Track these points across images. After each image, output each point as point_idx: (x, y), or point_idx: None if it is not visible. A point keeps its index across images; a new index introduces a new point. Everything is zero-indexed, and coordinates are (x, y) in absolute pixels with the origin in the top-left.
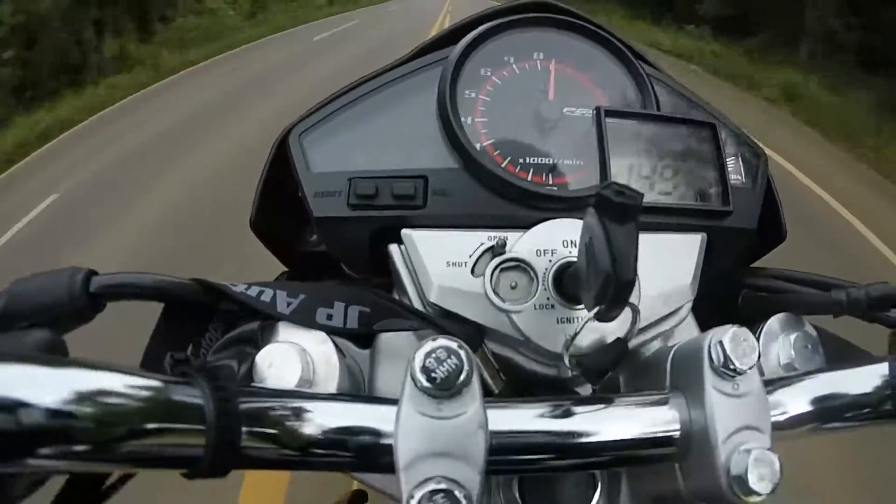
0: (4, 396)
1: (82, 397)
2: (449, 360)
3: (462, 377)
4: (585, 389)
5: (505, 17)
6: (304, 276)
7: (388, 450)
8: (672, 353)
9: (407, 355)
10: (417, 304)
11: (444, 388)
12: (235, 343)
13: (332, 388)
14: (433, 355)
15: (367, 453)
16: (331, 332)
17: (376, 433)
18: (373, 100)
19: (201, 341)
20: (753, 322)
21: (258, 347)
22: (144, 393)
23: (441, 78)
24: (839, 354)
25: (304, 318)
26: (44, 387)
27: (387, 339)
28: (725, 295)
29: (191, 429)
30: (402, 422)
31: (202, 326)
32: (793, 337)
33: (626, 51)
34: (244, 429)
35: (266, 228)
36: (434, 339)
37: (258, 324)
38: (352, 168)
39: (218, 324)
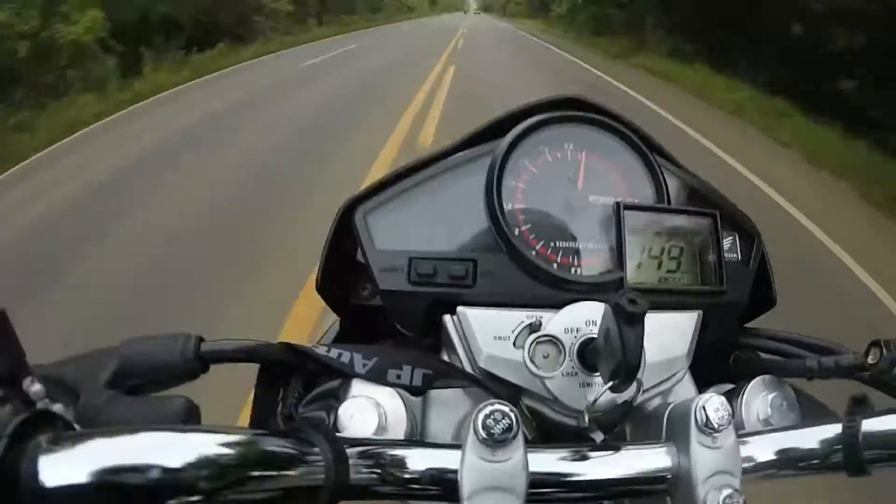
0: (149, 462)
1: (212, 459)
2: (503, 421)
3: (512, 433)
4: (598, 436)
5: (543, 112)
6: (357, 325)
7: (454, 485)
8: (668, 410)
9: (453, 404)
10: (466, 366)
11: (498, 441)
12: (321, 398)
13: (400, 434)
14: (491, 416)
15: (438, 487)
16: (398, 388)
17: (445, 471)
18: (428, 185)
19: (288, 393)
20: (742, 378)
21: (339, 401)
22: (274, 448)
23: (489, 169)
24: (811, 412)
25: (377, 377)
26: (187, 450)
27: (439, 393)
28: (721, 353)
29: (311, 473)
30: (466, 464)
31: (287, 381)
32: (770, 396)
33: (643, 145)
34: (352, 472)
35: (326, 288)
36: (492, 404)
37: (339, 381)
38: (412, 248)
39: (298, 378)
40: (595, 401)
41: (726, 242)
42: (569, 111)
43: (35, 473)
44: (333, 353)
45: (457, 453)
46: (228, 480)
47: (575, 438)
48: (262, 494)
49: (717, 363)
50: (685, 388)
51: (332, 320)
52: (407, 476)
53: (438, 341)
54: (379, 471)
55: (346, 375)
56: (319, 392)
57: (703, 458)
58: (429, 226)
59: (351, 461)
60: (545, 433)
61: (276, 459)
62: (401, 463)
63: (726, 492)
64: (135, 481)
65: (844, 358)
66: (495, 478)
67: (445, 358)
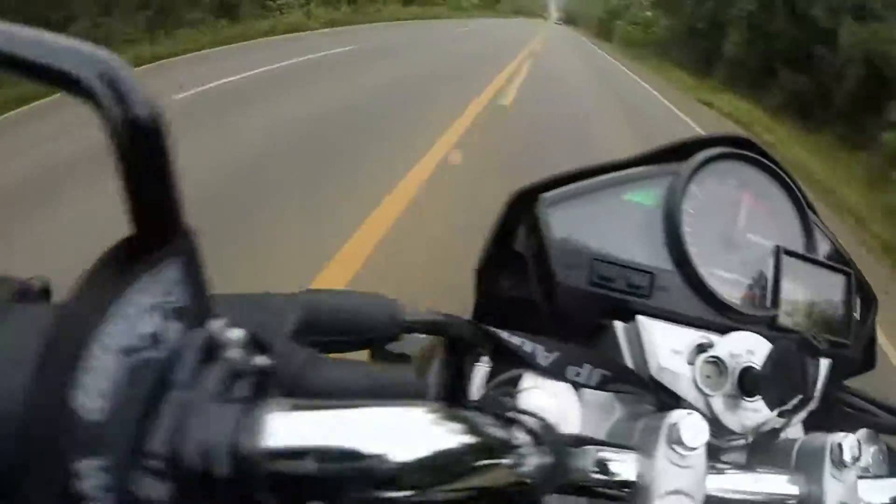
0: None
1: (455, 440)
2: (695, 429)
3: (701, 442)
4: (728, 456)
5: (719, 146)
6: (492, 312)
7: (641, 486)
8: (798, 444)
9: (604, 406)
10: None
11: (690, 448)
12: (505, 384)
13: (574, 430)
14: (690, 425)
15: (627, 487)
16: (576, 385)
17: (628, 471)
18: (612, 191)
19: (469, 374)
20: (840, 427)
21: (517, 389)
22: (477, 431)
23: (671, 190)
24: None
25: (558, 373)
26: (412, 427)
27: (587, 391)
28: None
29: (525, 464)
30: (656, 466)
31: (472, 360)
32: (871, 450)
33: (801, 198)
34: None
35: (485, 271)
36: (690, 413)
37: (521, 371)
38: (594, 249)
39: (484, 360)
40: (761, 425)
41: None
42: (741, 149)
43: (262, 448)
44: (517, 339)
45: (633, 455)
46: (458, 467)
47: (713, 457)
48: (476, 482)
49: (818, 409)
50: (795, 427)
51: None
52: (602, 477)
53: (587, 342)
54: (590, 468)
55: (529, 365)
56: (501, 379)
57: (833, 491)
58: (609, 231)
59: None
60: None
61: (497, 447)
62: (601, 462)
63: None
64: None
65: None
66: (682, 483)
67: None
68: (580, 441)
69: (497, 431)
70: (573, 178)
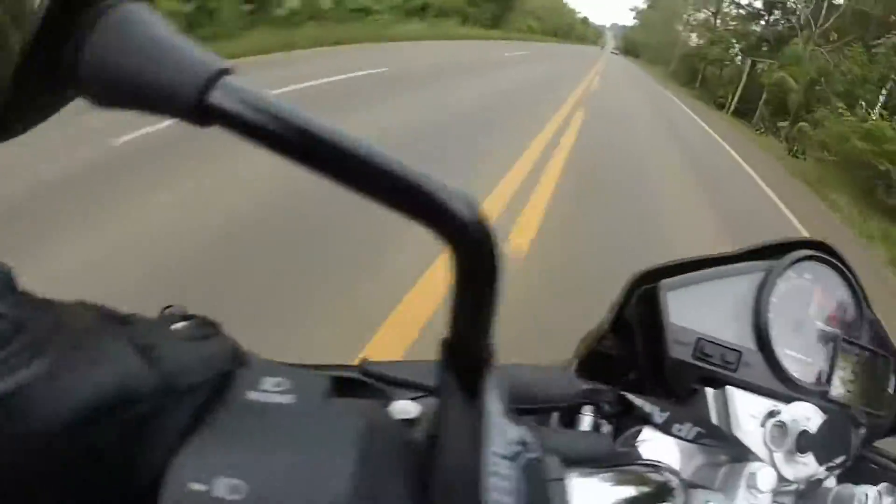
0: None
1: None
2: (768, 478)
3: (770, 488)
4: (784, 498)
5: (802, 248)
6: (592, 368)
7: None
8: (833, 493)
9: (689, 452)
10: None
11: (762, 492)
12: (627, 438)
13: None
14: (760, 475)
15: None
16: (677, 438)
17: None
18: (717, 281)
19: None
20: (865, 481)
21: (637, 441)
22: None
23: (763, 284)
24: None
25: (667, 429)
26: None
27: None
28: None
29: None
30: None
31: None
32: (889, 500)
33: (862, 296)
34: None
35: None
36: (763, 466)
37: (641, 427)
38: (699, 329)
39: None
40: (810, 476)
41: None
42: (820, 252)
43: None
44: (639, 401)
45: (719, 495)
46: None
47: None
48: None
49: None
50: (831, 480)
51: None
52: None
53: (681, 403)
54: None
55: (648, 423)
56: (628, 434)
57: None
58: (712, 314)
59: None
60: None
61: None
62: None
63: None
64: None
65: None
66: None
67: None
68: (691, 485)
69: (657, 478)
70: (686, 267)
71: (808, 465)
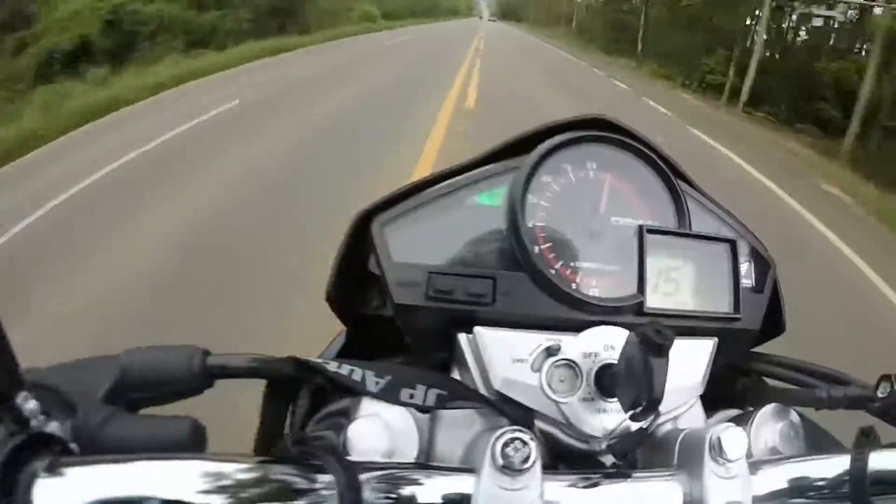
0: (150, 494)
1: (229, 488)
2: (523, 450)
3: (531, 461)
4: (607, 458)
5: (568, 131)
6: (364, 337)
7: None
8: (680, 438)
9: (462, 423)
10: (480, 386)
11: (516, 469)
12: (330, 416)
13: (410, 455)
14: (511, 445)
15: None
16: (411, 407)
17: (459, 498)
18: (448, 199)
19: (295, 410)
20: (749, 404)
21: (349, 420)
22: (280, 478)
23: (513, 187)
24: (818, 442)
25: (390, 397)
26: (192, 481)
27: (449, 413)
28: (728, 378)
29: (322, 501)
30: (482, 492)
31: (294, 396)
32: (779, 426)
33: (667, 169)
34: (365, 499)
35: (336, 298)
36: (511, 431)
37: (350, 400)
38: (430, 262)
39: (306, 393)
40: (615, 429)
41: (741, 267)
42: (594, 131)
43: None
44: (345, 368)
45: (471, 478)
46: None
47: (585, 462)
48: None
49: (723, 386)
50: (694, 413)
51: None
52: (420, 502)
53: (449, 358)
54: (393, 497)
55: (358, 393)
56: (329, 410)
57: (716, 489)
58: (448, 240)
59: (364, 487)
60: (555, 455)
61: (285, 490)
62: (414, 489)
63: None
64: None
65: (853, 389)
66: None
67: (457, 376)
68: (387, 467)
69: (282, 472)
70: (413, 192)
71: (616, 413)
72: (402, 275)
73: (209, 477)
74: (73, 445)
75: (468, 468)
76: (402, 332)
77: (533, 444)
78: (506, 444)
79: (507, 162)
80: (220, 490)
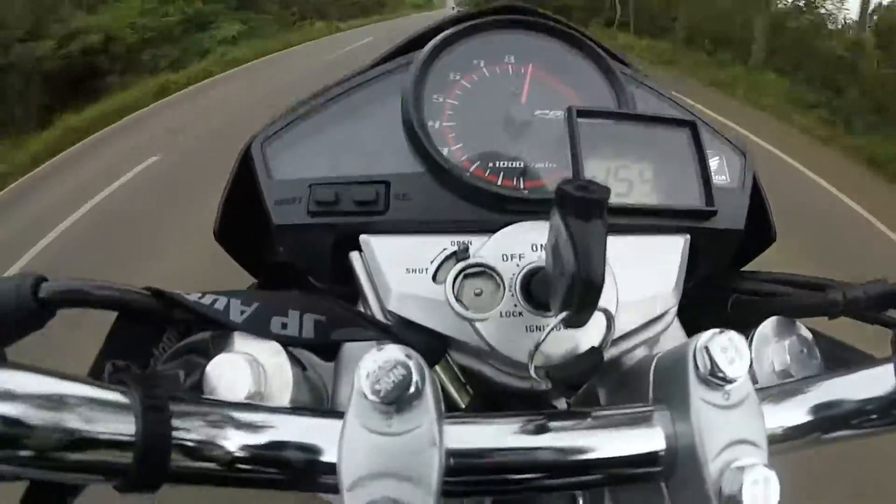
0: None
1: (11, 400)
2: (395, 371)
3: (411, 389)
4: (563, 404)
5: (472, 20)
6: (273, 287)
7: (332, 468)
8: (654, 362)
9: None
10: (378, 314)
11: (391, 402)
12: (185, 352)
13: (285, 401)
14: (380, 366)
15: (308, 471)
16: (286, 342)
17: (319, 450)
18: (337, 106)
19: (154, 351)
20: (745, 327)
21: (209, 358)
22: (77, 399)
23: (405, 82)
24: (837, 358)
25: (257, 328)
26: None
27: (350, 352)
28: (715, 300)
29: (120, 439)
30: (346, 438)
31: (157, 336)
32: (787, 342)
33: (601, 51)
34: (175, 441)
35: (232, 239)
36: (380, 349)
37: (210, 333)
38: (313, 175)
39: (172, 333)
40: (541, 342)
41: (712, 162)
42: (504, 17)
43: None
44: (207, 298)
45: (338, 423)
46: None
47: (529, 407)
48: (58, 469)
49: (711, 311)
50: (675, 337)
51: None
52: (259, 454)
53: (356, 291)
54: (214, 446)
55: (219, 325)
56: (185, 345)
57: (711, 423)
58: (336, 150)
59: (178, 433)
60: (489, 404)
61: (78, 416)
62: (254, 436)
63: (750, 470)
64: None
65: (876, 286)
66: (391, 458)
67: (360, 307)
68: (215, 405)
69: (94, 399)
70: (299, 106)
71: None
72: (281, 192)
73: None
74: None
75: (340, 412)
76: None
77: (413, 364)
78: (375, 369)
79: (402, 58)
80: (8, 399)
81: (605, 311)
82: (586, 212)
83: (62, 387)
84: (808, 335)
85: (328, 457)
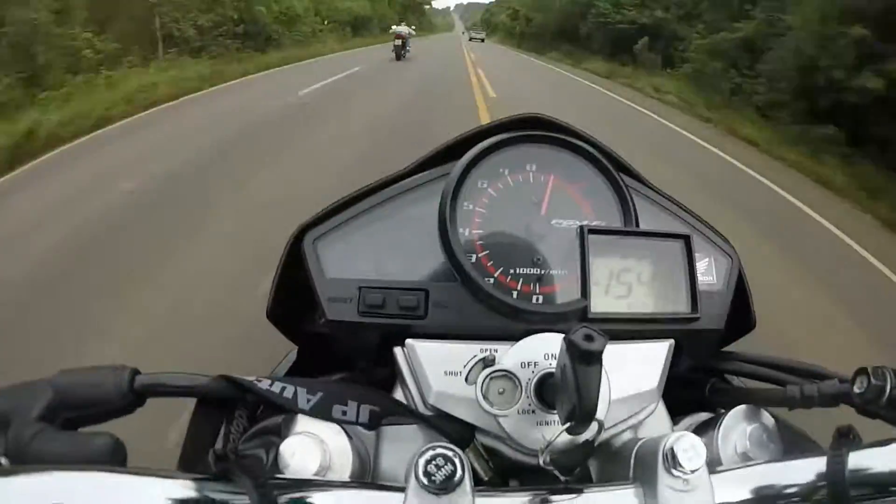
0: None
1: (141, 501)
2: (446, 467)
3: (457, 478)
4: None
5: (500, 133)
6: (314, 354)
7: None
8: (636, 448)
9: (408, 439)
10: (418, 401)
11: (441, 488)
12: (262, 434)
13: (346, 474)
14: (433, 462)
15: None
16: (344, 423)
17: None
18: (380, 210)
19: (230, 428)
20: (719, 408)
21: (281, 437)
22: (197, 495)
23: (443, 194)
24: (793, 443)
25: (322, 413)
26: (105, 493)
27: (391, 429)
28: (697, 381)
29: None
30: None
31: (230, 415)
32: (749, 428)
33: (610, 166)
34: None
35: (279, 315)
36: (434, 448)
37: (282, 417)
38: (362, 277)
39: (243, 411)
40: (550, 443)
41: (701, 266)
42: (529, 131)
43: None
44: (276, 386)
45: (399, 497)
46: None
47: (535, 479)
48: None
49: (693, 390)
50: (658, 419)
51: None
52: None
53: (392, 374)
54: None
55: (289, 410)
56: (260, 428)
57: (673, 503)
58: (381, 253)
59: None
60: (503, 473)
61: None
62: None
63: None
64: None
65: (828, 385)
66: None
67: (399, 392)
68: (309, 485)
69: (195, 489)
70: (345, 206)
71: (554, 425)
72: (333, 290)
73: (123, 489)
74: (3, 459)
75: (399, 486)
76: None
77: (458, 461)
78: (429, 462)
79: (439, 168)
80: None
81: (598, 421)
82: (588, 359)
83: (180, 484)
84: (771, 423)
85: None
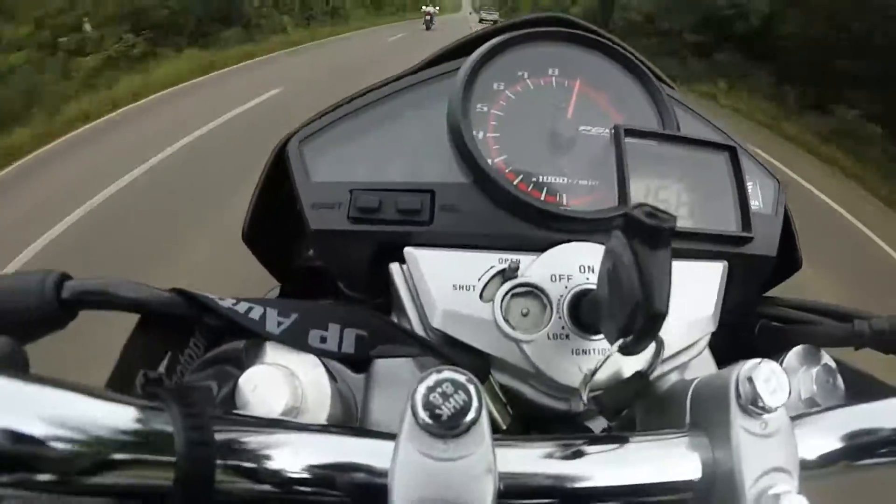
0: None
1: (39, 419)
2: (456, 396)
3: (471, 415)
4: (596, 424)
5: (518, 30)
6: (298, 292)
7: (383, 491)
8: (692, 387)
9: (405, 382)
10: (419, 329)
11: (449, 427)
12: (217, 362)
13: (322, 417)
14: (438, 389)
15: (358, 494)
16: (324, 355)
17: (370, 471)
18: (380, 109)
19: (180, 357)
20: (770, 354)
21: (242, 368)
22: (110, 417)
23: (453, 90)
24: (860, 388)
25: (295, 340)
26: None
27: (384, 365)
28: (741, 326)
29: (160, 460)
30: (399, 462)
31: (182, 341)
32: (814, 371)
33: (647, 70)
34: (219, 461)
35: (259, 241)
36: (439, 371)
37: (244, 343)
38: (354, 179)
39: (200, 339)
40: (597, 369)
41: (748, 186)
42: (550, 28)
43: None
44: (242, 306)
45: (389, 445)
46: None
47: (567, 429)
48: (92, 493)
49: (738, 336)
50: (704, 363)
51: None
52: (307, 476)
53: (391, 303)
54: (260, 467)
55: (254, 335)
56: (216, 354)
57: (750, 451)
58: (380, 157)
59: (221, 452)
60: (525, 423)
61: (112, 431)
62: (302, 457)
63: (785, 497)
64: None
65: None
66: (445, 483)
67: (397, 321)
68: (262, 424)
69: (117, 420)
70: (340, 106)
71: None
72: (319, 195)
73: (18, 398)
74: None
75: (391, 434)
76: (336, 280)
77: (473, 389)
78: (432, 388)
79: (449, 64)
80: (24, 413)
81: (658, 339)
82: (655, 240)
83: (92, 402)
84: (833, 364)
85: (379, 479)
